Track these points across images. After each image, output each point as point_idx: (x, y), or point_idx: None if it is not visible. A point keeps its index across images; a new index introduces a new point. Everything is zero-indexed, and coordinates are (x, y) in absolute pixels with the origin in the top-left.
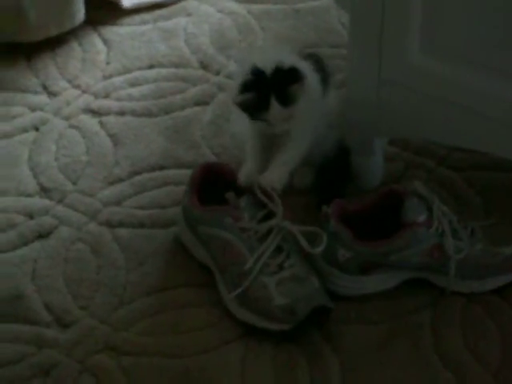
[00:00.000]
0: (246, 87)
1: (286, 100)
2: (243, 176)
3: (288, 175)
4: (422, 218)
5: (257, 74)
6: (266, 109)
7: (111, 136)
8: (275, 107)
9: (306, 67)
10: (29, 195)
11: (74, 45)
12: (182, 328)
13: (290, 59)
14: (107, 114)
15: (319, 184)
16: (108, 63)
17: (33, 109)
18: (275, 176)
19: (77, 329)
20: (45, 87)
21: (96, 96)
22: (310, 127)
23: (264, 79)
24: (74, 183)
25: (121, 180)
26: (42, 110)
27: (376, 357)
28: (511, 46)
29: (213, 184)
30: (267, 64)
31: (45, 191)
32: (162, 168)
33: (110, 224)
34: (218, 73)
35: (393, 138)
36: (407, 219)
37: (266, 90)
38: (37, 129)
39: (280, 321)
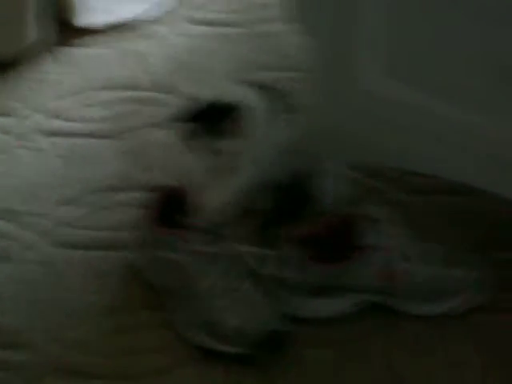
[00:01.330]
0: (184, 116)
1: (220, 132)
2: (208, 200)
3: (230, 200)
4: (372, 241)
5: (197, 105)
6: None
7: (62, 157)
8: (208, 139)
9: (252, 99)
10: None
11: (27, 65)
12: (134, 350)
13: (235, 91)
14: (57, 134)
15: (272, 207)
16: (60, 83)
17: None
18: (216, 198)
19: (28, 350)
20: None
21: (47, 116)
22: (258, 156)
23: (201, 111)
24: (25, 204)
25: (72, 201)
26: None
27: (331, 379)
28: (476, 75)
29: (167, 206)
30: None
31: None
32: (114, 189)
33: (63, 245)
34: (170, 92)
35: (348, 161)
36: (359, 242)
37: (201, 121)
38: None
39: (233, 344)
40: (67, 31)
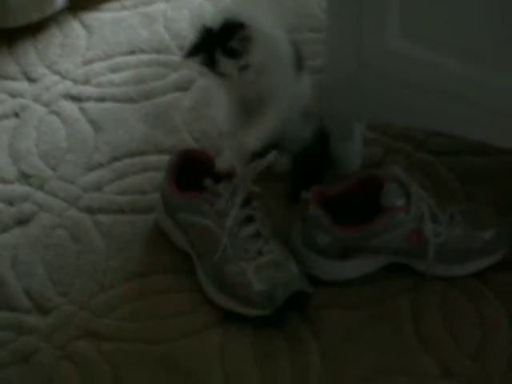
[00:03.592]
0: (194, 48)
1: (232, 52)
2: (220, 162)
3: (265, 136)
4: (400, 202)
5: (203, 32)
6: (217, 64)
7: (91, 122)
8: (222, 61)
9: (279, 36)
10: (8, 182)
11: (55, 30)
12: (161, 313)
13: (261, 21)
14: (87, 100)
15: (297, 171)
16: (88, 49)
17: (13, 95)
18: (252, 136)
19: (56, 315)
20: (25, 73)
21: (76, 82)
22: (284, 95)
23: (210, 36)
24: (54, 169)
25: (101, 166)
26: (21, 96)
27: (356, 341)
28: (488, 31)
29: (191, 170)
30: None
31: (25, 178)
32: (142, 153)
33: (90, 210)
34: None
35: (372, 123)
36: (386, 204)
37: (211, 46)
38: (17, 115)
39: (259, 306)
40: None
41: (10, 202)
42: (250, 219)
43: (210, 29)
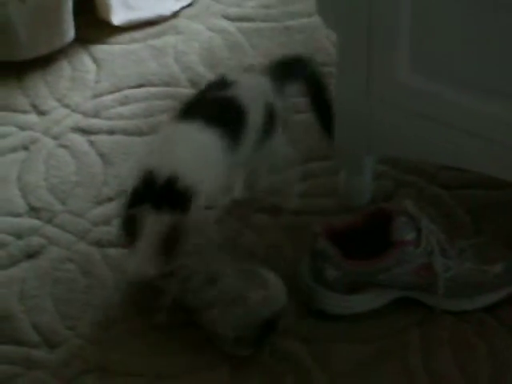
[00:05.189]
0: (136, 197)
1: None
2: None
3: None
4: (410, 236)
5: (148, 182)
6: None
7: (100, 155)
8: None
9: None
10: (17, 215)
11: (64, 63)
12: (171, 348)
13: (186, 165)
14: (97, 133)
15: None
16: (98, 82)
17: (22, 128)
18: None
19: (65, 349)
20: (34, 106)
21: (85, 115)
22: None
23: (154, 190)
24: (63, 203)
25: (110, 199)
26: (31, 129)
27: (365, 376)
28: (501, 66)
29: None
30: (162, 171)
31: (34, 211)
32: None
33: (99, 244)
34: None
35: (382, 156)
36: (396, 238)
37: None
38: (26, 148)
39: (237, 350)
40: (104, 29)
41: (19, 236)
42: None
43: (155, 180)
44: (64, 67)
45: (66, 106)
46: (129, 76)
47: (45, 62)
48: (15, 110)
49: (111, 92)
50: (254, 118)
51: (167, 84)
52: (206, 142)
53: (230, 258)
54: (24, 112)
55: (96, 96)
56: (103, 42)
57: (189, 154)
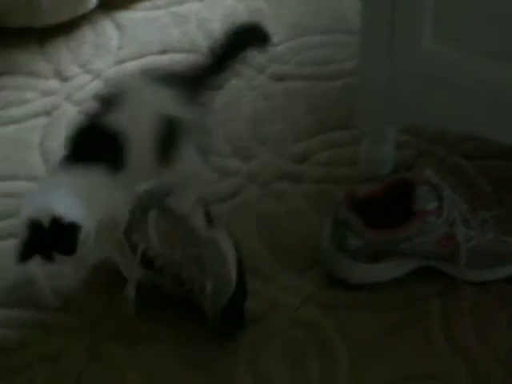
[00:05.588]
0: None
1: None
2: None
3: None
4: (432, 206)
5: (34, 228)
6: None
7: None
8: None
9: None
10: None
11: (87, 30)
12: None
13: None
14: None
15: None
16: (120, 48)
17: (44, 94)
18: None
19: (85, 315)
20: (57, 72)
21: (108, 81)
22: None
23: (43, 234)
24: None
25: None
26: (53, 95)
27: (385, 344)
28: None
29: None
30: (41, 213)
31: None
32: None
33: None
34: None
35: (404, 126)
36: (418, 207)
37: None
38: (48, 114)
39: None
40: None
41: None
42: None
43: (40, 224)
44: (87, 33)
45: (89, 72)
46: (151, 43)
47: (68, 28)
48: (38, 76)
49: (134, 58)
50: (139, 140)
51: (189, 51)
52: (80, 180)
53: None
54: (46, 78)
55: (119, 62)
56: (126, 9)
57: (65, 194)
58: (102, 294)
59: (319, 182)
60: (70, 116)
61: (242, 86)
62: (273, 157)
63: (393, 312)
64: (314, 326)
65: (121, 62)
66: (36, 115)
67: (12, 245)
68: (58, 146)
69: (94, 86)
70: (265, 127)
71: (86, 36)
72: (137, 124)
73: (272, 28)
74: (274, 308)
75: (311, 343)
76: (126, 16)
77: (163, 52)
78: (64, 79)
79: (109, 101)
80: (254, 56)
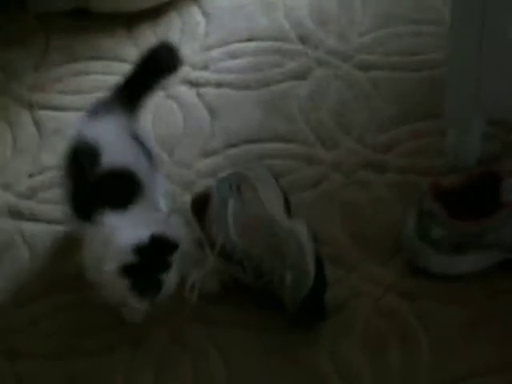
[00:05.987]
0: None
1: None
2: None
3: None
4: None
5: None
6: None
7: (208, 108)
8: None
9: None
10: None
11: (174, 16)
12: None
13: None
14: (205, 85)
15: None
16: (207, 35)
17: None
18: None
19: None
20: None
21: (194, 67)
22: None
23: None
24: (170, 154)
25: (216, 152)
26: None
27: (467, 337)
28: None
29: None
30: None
31: None
32: (258, 141)
33: None
34: (316, 47)
35: (491, 118)
36: (504, 199)
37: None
38: None
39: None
40: None
41: None
42: None
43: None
44: (174, 19)
45: None
46: (238, 30)
47: (155, 13)
48: (124, 61)
49: (220, 45)
50: None
51: (276, 39)
52: None
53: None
54: (133, 62)
55: (205, 49)
56: None
57: None
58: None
59: (403, 172)
60: (156, 100)
61: (328, 75)
62: (357, 146)
63: (475, 304)
64: (395, 315)
65: (207, 48)
66: None
67: None
68: (143, 130)
69: (180, 71)
70: (349, 116)
71: (173, 22)
72: None
73: (358, 17)
74: (356, 297)
75: (393, 333)
76: (212, 3)
77: (249, 40)
78: None
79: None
80: (339, 45)
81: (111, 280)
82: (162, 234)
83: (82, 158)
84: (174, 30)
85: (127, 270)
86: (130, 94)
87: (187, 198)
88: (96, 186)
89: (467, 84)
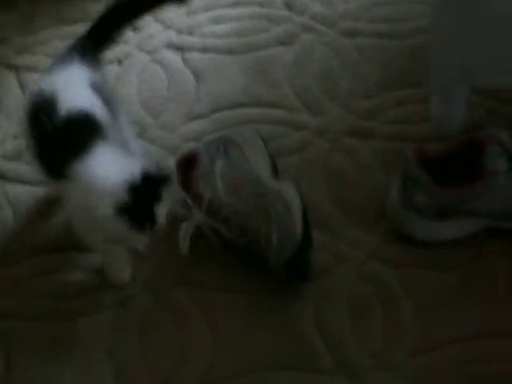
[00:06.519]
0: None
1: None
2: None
3: None
4: (502, 166)
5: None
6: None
7: (193, 72)
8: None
9: None
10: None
11: None
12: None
13: None
14: (190, 50)
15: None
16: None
17: (116, 42)
18: None
19: (149, 264)
20: None
21: (179, 32)
22: None
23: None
24: (155, 118)
25: (201, 116)
26: (125, 43)
27: (450, 302)
28: None
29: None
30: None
31: None
32: (242, 106)
33: None
34: (301, 13)
35: (476, 85)
36: (488, 167)
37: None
38: (119, 62)
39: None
40: None
41: None
42: None
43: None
44: None
45: (161, 22)
46: None
47: None
48: None
49: (205, 10)
50: None
51: (261, 5)
52: None
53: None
54: None
55: (190, 13)
56: None
57: None
58: (164, 243)
59: (388, 138)
60: (141, 65)
61: (313, 42)
62: (342, 112)
63: (458, 270)
64: (378, 281)
65: (192, 13)
66: (108, 63)
67: None
68: (128, 94)
69: (165, 36)
70: (335, 83)
71: None
72: None
73: None
74: (340, 262)
75: (375, 298)
76: None
77: (235, 4)
78: (136, 28)
79: None
80: (325, 11)
81: (107, 225)
82: (151, 169)
83: (39, 111)
84: None
85: (123, 209)
86: (90, 45)
87: (172, 162)
88: (57, 137)
89: (452, 51)
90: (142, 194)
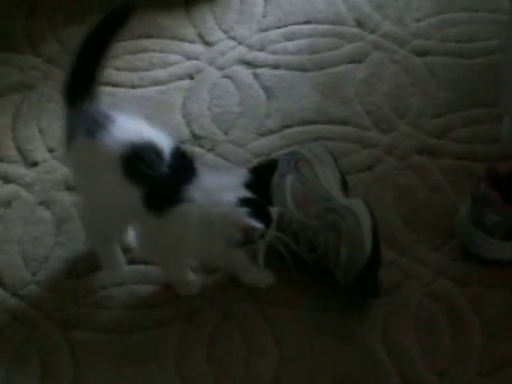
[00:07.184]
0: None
1: None
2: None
3: None
4: None
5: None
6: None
7: (264, 88)
8: None
9: None
10: (180, 142)
11: None
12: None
13: None
14: (261, 66)
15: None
16: (264, 16)
17: (188, 57)
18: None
19: (219, 277)
20: (201, 36)
21: (251, 48)
22: None
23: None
24: (226, 133)
25: (272, 132)
26: (197, 58)
27: None
28: None
29: None
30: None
31: (196, 139)
32: (313, 123)
33: None
34: (373, 31)
35: None
36: None
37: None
38: (191, 77)
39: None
40: None
41: None
42: None
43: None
44: (232, 0)
45: (233, 38)
46: (295, 12)
47: None
48: (182, 40)
49: (277, 27)
50: None
51: (333, 22)
52: None
53: None
54: (191, 42)
55: (262, 30)
56: None
57: None
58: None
59: (457, 157)
60: (212, 80)
61: (384, 60)
62: (411, 130)
63: None
64: (446, 299)
65: (264, 29)
66: (179, 78)
67: None
68: (199, 109)
69: (237, 52)
70: (405, 101)
71: (231, 2)
72: None
73: (415, 2)
74: (408, 279)
75: (443, 316)
76: None
77: (306, 22)
78: (208, 44)
79: None
80: (396, 30)
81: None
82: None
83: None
84: (232, 10)
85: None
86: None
87: None
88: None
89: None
90: (258, 204)
